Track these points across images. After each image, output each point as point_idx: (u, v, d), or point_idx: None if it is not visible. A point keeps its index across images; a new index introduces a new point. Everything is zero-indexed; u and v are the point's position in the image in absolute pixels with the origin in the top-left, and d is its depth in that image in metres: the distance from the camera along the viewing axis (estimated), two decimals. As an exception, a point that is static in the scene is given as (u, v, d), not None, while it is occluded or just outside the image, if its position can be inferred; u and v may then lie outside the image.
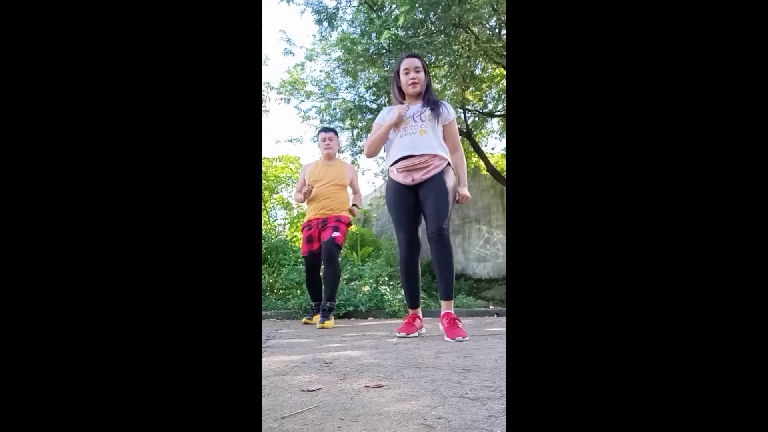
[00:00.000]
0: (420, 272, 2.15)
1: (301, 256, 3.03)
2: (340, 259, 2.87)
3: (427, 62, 4.81)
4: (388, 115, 2.10)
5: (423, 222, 2.08)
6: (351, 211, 2.98)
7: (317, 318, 2.83)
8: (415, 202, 2.04)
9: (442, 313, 1.97)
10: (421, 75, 2.06)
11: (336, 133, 3.13)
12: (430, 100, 2.06)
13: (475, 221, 6.19)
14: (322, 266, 2.82)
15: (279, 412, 0.74)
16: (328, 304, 2.74)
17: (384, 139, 2.07)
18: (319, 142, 3.09)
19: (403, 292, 2.18)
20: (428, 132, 2.00)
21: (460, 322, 1.94)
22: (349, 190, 3.12)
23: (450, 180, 2.01)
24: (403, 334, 2.00)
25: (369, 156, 2.18)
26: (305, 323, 2.95)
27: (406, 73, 2.06)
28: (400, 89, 2.11)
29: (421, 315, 2.16)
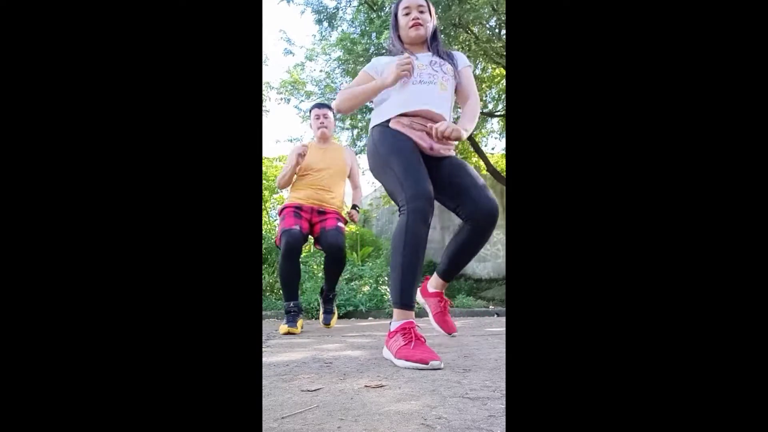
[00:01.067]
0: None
1: (280, 233, 2.20)
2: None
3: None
4: (378, 68, 1.54)
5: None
6: (351, 216, 2.46)
7: (302, 323, 2.29)
8: (438, 175, 1.43)
9: (434, 289, 1.58)
10: (426, 16, 1.54)
11: (331, 109, 2.49)
12: (440, 50, 1.55)
13: (475, 221, 6.19)
14: (323, 259, 2.34)
15: (279, 412, 0.74)
16: (332, 295, 2.45)
17: (373, 94, 1.47)
18: (311, 119, 2.49)
19: (393, 282, 1.29)
20: (448, 90, 1.49)
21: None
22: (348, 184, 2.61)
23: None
24: (416, 365, 1.14)
25: (340, 111, 1.58)
26: (288, 333, 2.16)
27: (407, 14, 1.54)
28: (399, 36, 1.58)
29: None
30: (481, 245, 1.48)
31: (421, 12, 1.54)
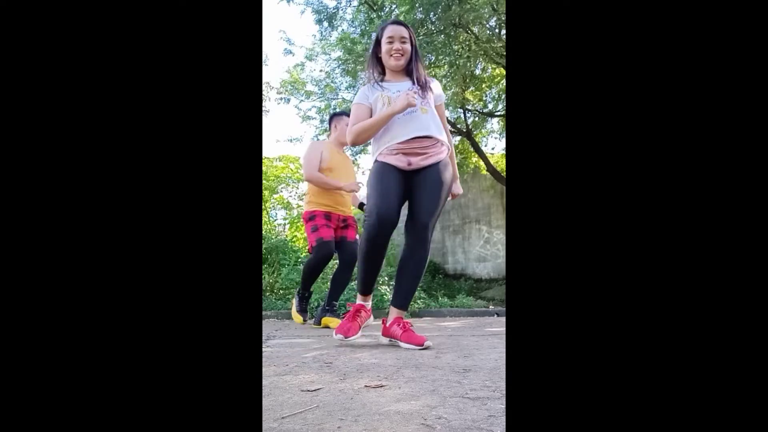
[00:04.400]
0: (384, 256, 1.72)
1: (313, 244, 2.46)
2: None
3: (427, 62, 4.81)
4: (368, 100, 1.72)
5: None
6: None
7: (332, 321, 2.50)
8: (405, 189, 1.66)
9: (392, 318, 1.65)
10: (407, 47, 1.69)
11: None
12: (419, 78, 1.70)
13: (475, 221, 6.19)
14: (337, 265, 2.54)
15: (279, 412, 0.74)
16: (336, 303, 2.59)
17: (384, 123, 1.65)
18: (331, 128, 2.71)
19: (357, 275, 1.73)
20: (429, 112, 1.66)
21: (410, 324, 1.65)
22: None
23: (448, 174, 1.70)
24: (340, 336, 1.66)
25: (355, 144, 1.75)
26: (323, 326, 2.50)
27: (390, 42, 1.68)
28: (379, 60, 1.74)
29: (369, 306, 1.79)
30: (423, 259, 1.66)
31: (403, 42, 1.69)
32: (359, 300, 1.76)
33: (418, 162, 1.65)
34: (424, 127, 1.64)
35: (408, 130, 1.63)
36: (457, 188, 1.85)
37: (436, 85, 1.78)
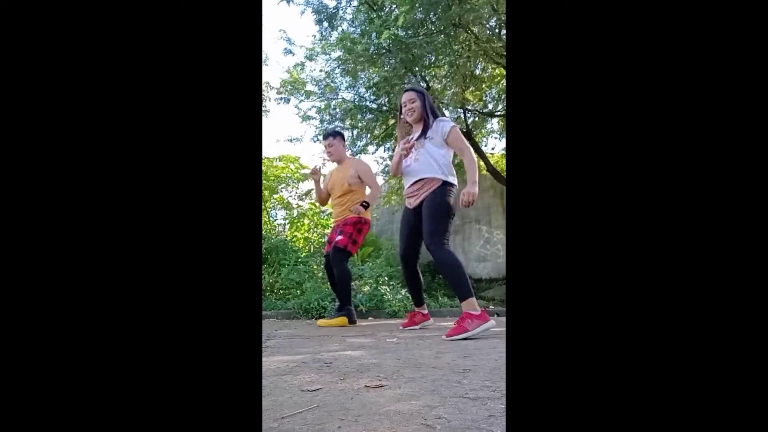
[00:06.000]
0: (419, 277, 2.48)
1: (316, 260, 3.31)
2: (345, 262, 2.85)
3: (427, 62, 4.81)
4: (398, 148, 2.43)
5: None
6: (351, 208, 2.83)
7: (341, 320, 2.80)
8: (418, 223, 2.30)
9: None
10: (416, 104, 2.32)
11: (336, 135, 3.06)
12: (426, 122, 2.30)
13: (475, 221, 6.19)
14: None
15: (279, 412, 0.74)
16: (338, 304, 2.87)
17: (396, 171, 2.43)
18: (326, 146, 3.06)
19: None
20: (420, 158, 2.26)
21: (470, 320, 1.99)
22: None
23: (438, 196, 2.19)
24: (400, 327, 2.50)
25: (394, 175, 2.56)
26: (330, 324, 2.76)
27: (404, 106, 2.36)
28: (406, 121, 2.43)
29: (424, 311, 2.54)
30: (444, 267, 2.15)
31: (412, 102, 2.34)
32: (416, 310, 2.56)
33: (414, 203, 2.30)
34: (414, 174, 2.28)
35: (406, 182, 2.36)
36: (470, 189, 2.17)
37: (440, 123, 2.28)
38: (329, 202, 3.15)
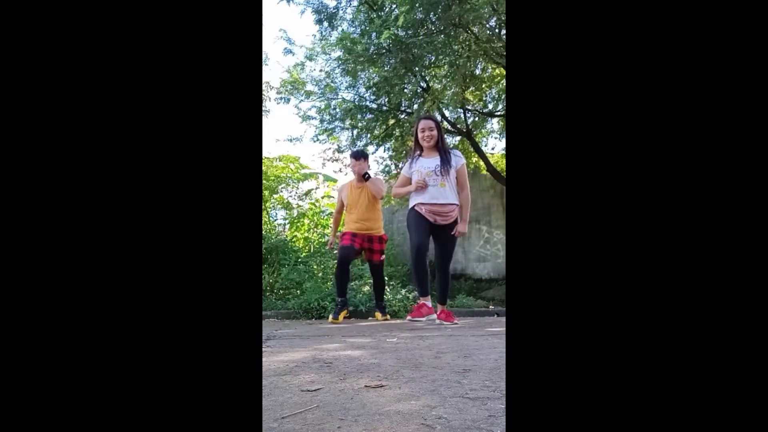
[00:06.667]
0: (428, 268, 2.70)
1: (329, 248, 3.77)
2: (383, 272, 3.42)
3: (427, 62, 4.80)
4: (409, 171, 2.85)
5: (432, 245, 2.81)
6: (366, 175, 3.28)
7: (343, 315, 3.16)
8: (431, 232, 2.71)
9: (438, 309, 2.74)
10: (434, 133, 2.73)
11: (366, 159, 3.38)
12: (445, 151, 2.74)
13: (475, 221, 6.18)
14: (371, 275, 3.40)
15: (279, 412, 0.74)
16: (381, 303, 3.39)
17: (407, 194, 2.84)
18: (351, 164, 3.39)
19: (412, 282, 3.04)
20: (447, 185, 2.68)
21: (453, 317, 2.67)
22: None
23: (458, 227, 2.71)
24: (408, 318, 2.82)
25: (396, 197, 2.92)
26: (333, 322, 3.00)
27: (422, 131, 2.75)
28: (418, 142, 2.80)
29: (430, 303, 2.74)
30: (447, 282, 2.83)
31: (431, 131, 2.75)
32: (421, 300, 2.77)
33: (441, 221, 2.69)
34: (445, 196, 2.69)
35: (435, 197, 2.69)
36: (462, 227, 2.74)
37: (456, 155, 2.77)
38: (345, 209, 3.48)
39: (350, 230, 3.30)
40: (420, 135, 2.76)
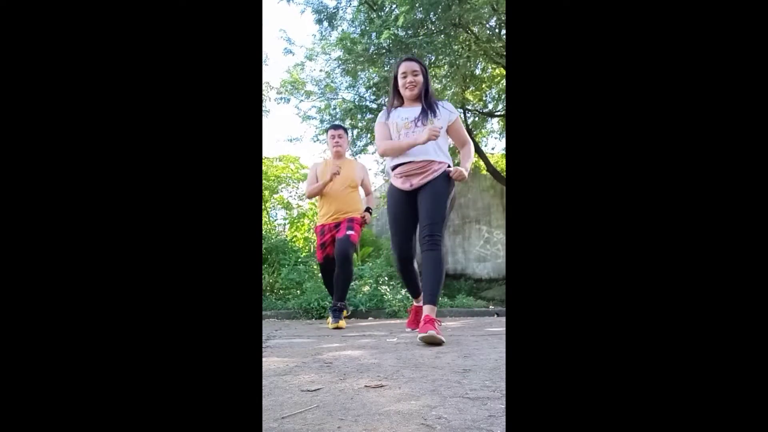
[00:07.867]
0: (417, 272, 2.15)
1: (315, 260, 3.16)
2: (353, 258, 2.75)
3: (427, 62, 4.80)
4: (385, 123, 2.09)
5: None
6: (364, 219, 2.84)
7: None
8: (413, 209, 2.00)
9: (423, 315, 1.81)
10: (419, 78, 2.01)
11: (346, 130, 2.98)
12: (428, 103, 2.01)
13: (475, 221, 6.19)
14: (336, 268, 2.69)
15: (279, 412, 0.74)
16: (339, 304, 2.66)
17: (408, 148, 1.97)
18: (328, 139, 2.94)
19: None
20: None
21: (439, 323, 1.81)
22: (361, 190, 2.98)
23: (449, 185, 1.96)
24: (409, 329, 2.27)
25: (386, 156, 2.11)
26: (335, 328, 2.56)
27: (404, 77, 2.02)
28: (398, 91, 2.07)
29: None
30: (437, 264, 1.85)
31: (415, 75, 2.02)
32: (415, 304, 2.33)
33: (418, 182, 1.97)
34: (424, 152, 1.95)
35: (410, 155, 1.96)
36: (460, 173, 1.96)
37: (445, 107, 2.05)
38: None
39: (319, 224, 2.86)
40: (401, 81, 2.02)
